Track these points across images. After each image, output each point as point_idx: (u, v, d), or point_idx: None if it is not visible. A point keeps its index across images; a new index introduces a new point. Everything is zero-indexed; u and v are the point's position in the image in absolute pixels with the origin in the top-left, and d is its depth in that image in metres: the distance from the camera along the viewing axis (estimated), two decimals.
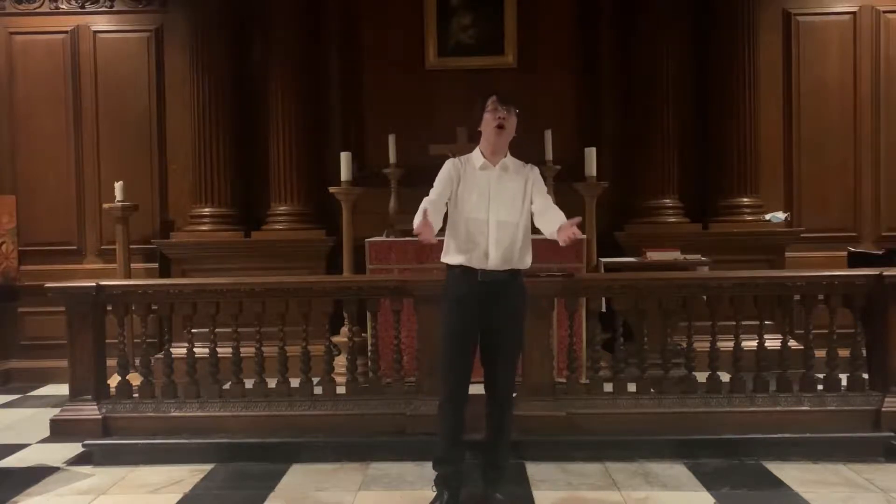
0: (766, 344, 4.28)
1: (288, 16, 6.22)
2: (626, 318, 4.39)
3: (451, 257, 3.30)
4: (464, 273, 3.25)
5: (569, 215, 5.64)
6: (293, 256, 6.08)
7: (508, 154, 3.35)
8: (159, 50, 6.56)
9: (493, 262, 3.21)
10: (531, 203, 3.30)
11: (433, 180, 3.40)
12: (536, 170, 3.42)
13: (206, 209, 6.22)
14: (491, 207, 3.24)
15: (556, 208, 3.31)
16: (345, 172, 5.62)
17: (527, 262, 3.32)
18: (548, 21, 6.50)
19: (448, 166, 3.34)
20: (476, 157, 3.34)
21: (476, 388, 3.38)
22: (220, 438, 4.19)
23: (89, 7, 6.56)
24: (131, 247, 6.09)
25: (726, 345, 4.29)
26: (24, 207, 6.36)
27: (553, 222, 3.21)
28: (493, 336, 3.29)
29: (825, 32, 6.47)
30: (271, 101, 6.27)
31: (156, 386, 4.39)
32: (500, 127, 3.25)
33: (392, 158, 5.83)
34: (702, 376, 4.25)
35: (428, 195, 3.28)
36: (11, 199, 6.28)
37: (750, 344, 4.29)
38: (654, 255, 5.46)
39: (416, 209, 3.20)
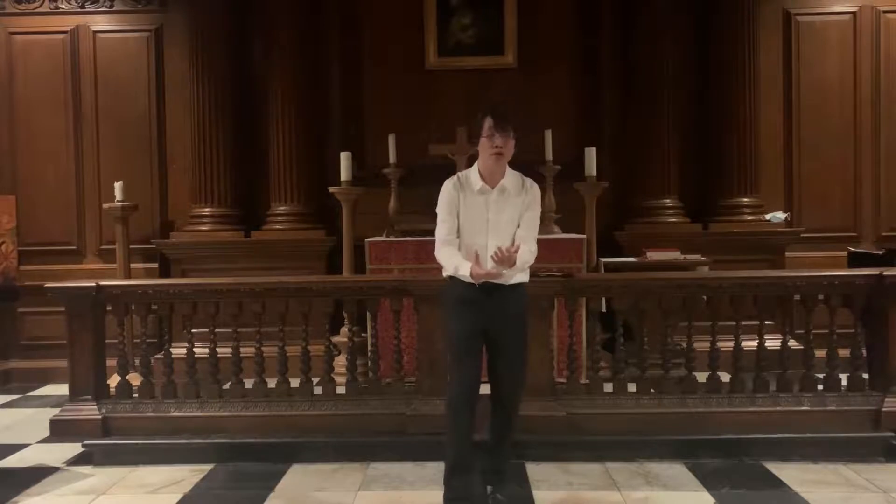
0: (766, 344, 4.28)
1: (288, 16, 6.23)
2: (626, 318, 4.38)
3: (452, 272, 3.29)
4: (465, 281, 3.22)
5: (569, 215, 5.78)
6: (293, 256, 6.08)
7: (507, 172, 3.30)
8: (159, 50, 6.56)
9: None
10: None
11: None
12: (535, 190, 3.36)
13: (206, 209, 6.23)
14: (490, 233, 3.25)
15: (526, 247, 3.22)
16: (345, 172, 5.62)
17: (526, 277, 3.35)
18: (548, 21, 6.50)
19: (449, 190, 3.30)
20: (474, 178, 3.30)
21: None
22: (220, 438, 4.19)
23: (89, 7, 6.57)
24: (131, 247, 6.09)
25: (726, 345, 4.29)
26: (24, 207, 6.36)
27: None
28: (496, 340, 3.27)
29: (825, 32, 6.47)
30: (271, 101, 6.28)
31: (156, 386, 4.39)
32: (498, 155, 3.21)
33: (392, 158, 5.83)
34: (702, 376, 4.25)
35: (439, 228, 3.29)
36: (11, 199, 6.27)
37: (750, 344, 4.29)
38: (654, 255, 5.46)
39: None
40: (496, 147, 3.20)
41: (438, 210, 3.33)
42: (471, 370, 3.26)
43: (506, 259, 3.04)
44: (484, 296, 3.22)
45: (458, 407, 3.26)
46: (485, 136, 3.22)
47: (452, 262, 3.23)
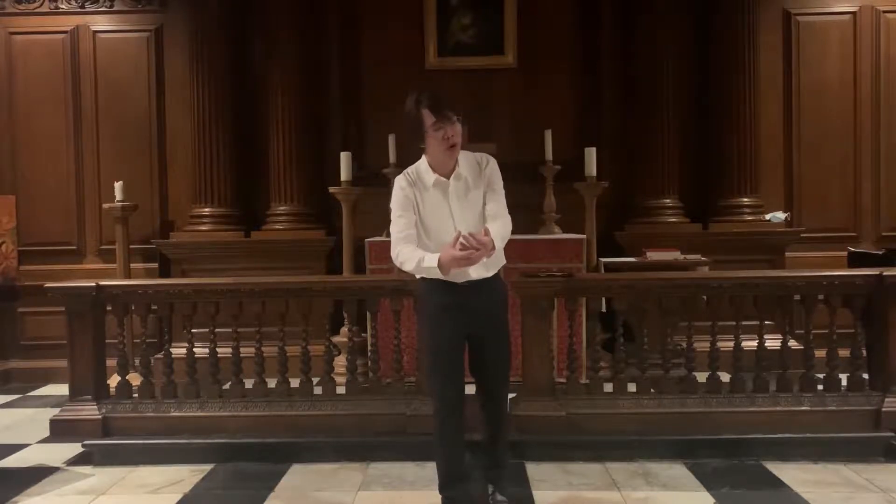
0: (766, 344, 4.28)
1: (288, 16, 6.22)
2: (626, 318, 4.38)
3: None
4: (442, 283, 3.04)
5: (569, 215, 5.78)
6: (293, 256, 6.07)
7: (459, 157, 3.07)
8: (159, 50, 6.56)
9: (475, 273, 3.05)
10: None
11: None
12: (492, 164, 3.11)
13: (206, 209, 6.23)
14: (458, 226, 3.01)
15: (501, 220, 3.05)
16: (345, 172, 5.62)
17: (503, 259, 3.21)
18: (548, 21, 6.50)
19: (403, 186, 3.07)
20: (426, 173, 3.08)
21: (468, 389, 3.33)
22: (220, 438, 4.19)
23: (89, 7, 6.56)
24: (131, 247, 6.09)
25: (726, 345, 4.28)
26: (24, 207, 6.36)
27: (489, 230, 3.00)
28: (482, 338, 3.14)
29: (825, 32, 6.47)
30: (271, 101, 6.27)
31: (156, 386, 4.39)
32: (454, 146, 2.99)
33: (392, 158, 5.83)
34: (702, 376, 4.25)
35: (394, 224, 3.05)
36: (11, 199, 6.27)
37: (750, 344, 4.29)
38: (654, 255, 5.46)
39: None
40: (448, 139, 2.97)
41: (392, 206, 3.08)
42: (457, 379, 3.10)
43: (482, 245, 2.82)
44: (465, 297, 3.04)
45: (447, 418, 3.11)
46: (431, 133, 2.98)
47: (415, 256, 2.93)
